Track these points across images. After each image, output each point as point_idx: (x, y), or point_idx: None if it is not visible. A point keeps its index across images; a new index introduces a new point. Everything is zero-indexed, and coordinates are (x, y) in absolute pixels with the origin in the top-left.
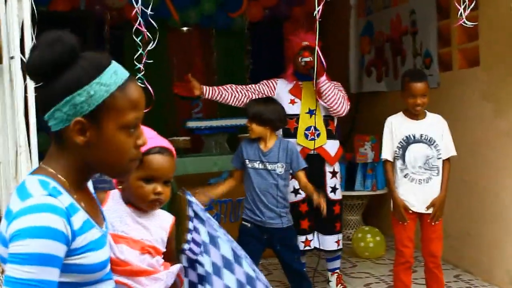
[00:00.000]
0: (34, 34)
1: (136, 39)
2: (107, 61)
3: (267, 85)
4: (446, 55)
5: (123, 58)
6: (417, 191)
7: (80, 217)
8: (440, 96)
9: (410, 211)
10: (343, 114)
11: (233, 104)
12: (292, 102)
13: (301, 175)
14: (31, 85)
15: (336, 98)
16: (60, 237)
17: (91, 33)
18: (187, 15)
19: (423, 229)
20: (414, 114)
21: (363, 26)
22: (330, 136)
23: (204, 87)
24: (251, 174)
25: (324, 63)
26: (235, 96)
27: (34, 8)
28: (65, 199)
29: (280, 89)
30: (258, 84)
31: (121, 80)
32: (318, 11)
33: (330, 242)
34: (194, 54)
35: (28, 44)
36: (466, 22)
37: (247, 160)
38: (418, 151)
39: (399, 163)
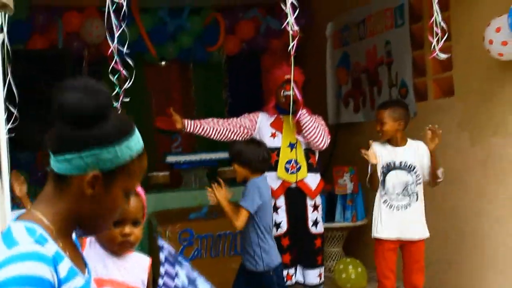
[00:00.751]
0: (8, 72)
1: (112, 78)
2: (132, 125)
3: (248, 118)
4: (421, 85)
5: None
6: (398, 218)
7: (66, 265)
8: (417, 125)
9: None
10: (323, 148)
11: (214, 138)
12: (273, 135)
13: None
14: (2, 128)
15: (316, 131)
16: (47, 286)
17: (69, 70)
18: (165, 49)
19: (405, 260)
20: (392, 141)
21: (339, 57)
22: (311, 169)
23: (186, 120)
24: None
25: (299, 96)
26: (216, 130)
27: (8, 47)
28: (51, 247)
29: (261, 122)
30: (240, 117)
31: (141, 148)
32: (292, 46)
33: (312, 276)
34: (172, 88)
35: None
36: (439, 54)
37: None
38: (397, 177)
39: (379, 189)
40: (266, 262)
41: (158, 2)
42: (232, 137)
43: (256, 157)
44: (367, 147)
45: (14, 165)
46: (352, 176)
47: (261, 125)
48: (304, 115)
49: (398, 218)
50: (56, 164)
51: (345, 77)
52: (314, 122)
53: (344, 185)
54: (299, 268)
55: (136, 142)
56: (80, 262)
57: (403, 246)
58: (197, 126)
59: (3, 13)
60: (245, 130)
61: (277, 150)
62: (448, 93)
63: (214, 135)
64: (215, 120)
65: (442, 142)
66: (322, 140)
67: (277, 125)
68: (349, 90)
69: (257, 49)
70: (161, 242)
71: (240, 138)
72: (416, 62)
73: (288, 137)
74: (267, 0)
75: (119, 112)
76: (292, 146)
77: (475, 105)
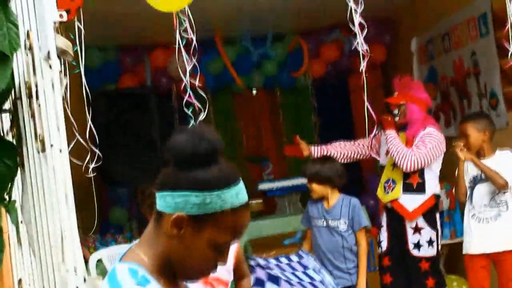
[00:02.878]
0: (89, 114)
1: (187, 110)
2: (235, 178)
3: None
4: (511, 94)
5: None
6: (487, 231)
7: None
8: (509, 135)
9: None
10: (407, 169)
11: (342, 161)
12: (387, 153)
13: (360, 235)
14: (68, 170)
15: (396, 151)
16: None
17: (158, 105)
18: (250, 78)
19: (499, 277)
20: (479, 153)
21: (426, 72)
22: (408, 190)
23: (312, 147)
24: (315, 233)
25: (373, 116)
26: (343, 154)
27: (87, 89)
28: (154, 287)
29: (382, 140)
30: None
31: (238, 203)
32: (363, 66)
33: None
34: (261, 115)
35: (63, 133)
36: None
37: (312, 218)
38: (483, 189)
39: (467, 204)
40: (355, 275)
41: (241, 32)
42: (358, 158)
43: (335, 173)
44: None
45: (115, 202)
46: (448, 192)
47: (381, 143)
48: (388, 134)
49: (488, 230)
50: (157, 201)
51: (433, 92)
52: (395, 142)
53: (440, 201)
54: None
55: (233, 195)
56: None
57: (496, 261)
58: (324, 151)
59: (63, 59)
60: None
61: (382, 168)
62: None
63: (341, 158)
64: (342, 144)
65: None
66: (402, 161)
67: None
68: (439, 105)
69: (343, 70)
70: (252, 262)
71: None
72: (504, 71)
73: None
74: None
75: (226, 164)
76: (395, 164)
77: None
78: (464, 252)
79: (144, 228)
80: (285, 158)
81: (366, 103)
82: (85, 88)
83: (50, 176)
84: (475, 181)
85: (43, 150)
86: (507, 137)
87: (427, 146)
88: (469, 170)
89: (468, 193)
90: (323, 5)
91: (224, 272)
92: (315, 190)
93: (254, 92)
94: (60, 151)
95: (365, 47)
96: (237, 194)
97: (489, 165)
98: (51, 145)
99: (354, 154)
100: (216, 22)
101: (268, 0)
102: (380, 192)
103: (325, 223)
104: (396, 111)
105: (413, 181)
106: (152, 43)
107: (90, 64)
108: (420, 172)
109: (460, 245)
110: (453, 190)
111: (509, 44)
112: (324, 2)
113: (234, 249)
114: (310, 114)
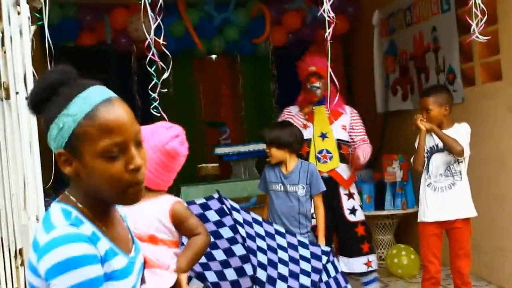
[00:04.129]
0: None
1: (149, 69)
2: (79, 89)
3: (287, 117)
4: (469, 70)
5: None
6: (442, 200)
7: (103, 245)
8: (466, 111)
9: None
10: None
11: None
12: (305, 126)
13: (317, 200)
14: (34, 118)
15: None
16: (94, 259)
17: (117, 66)
18: (211, 43)
19: (450, 245)
20: (439, 127)
21: (386, 45)
22: (342, 159)
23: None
24: (273, 197)
25: (337, 85)
26: None
27: (51, 43)
28: (87, 228)
29: (294, 115)
30: (282, 119)
31: (90, 106)
32: (328, 33)
33: (357, 264)
34: (220, 81)
35: (30, 80)
36: (479, 37)
37: (269, 183)
38: (440, 159)
39: (424, 174)
40: (312, 239)
41: None
42: None
43: (294, 138)
44: (415, 135)
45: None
46: (401, 164)
47: (294, 118)
48: (361, 161)
49: (442, 199)
50: None
51: (392, 65)
52: (366, 154)
53: (393, 173)
54: (342, 258)
55: (80, 104)
56: (125, 242)
57: (449, 230)
58: None
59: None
60: None
61: (308, 141)
62: (496, 77)
63: None
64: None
65: (491, 127)
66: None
67: (308, 117)
68: (397, 78)
69: (304, 40)
70: (227, 203)
71: None
72: (463, 47)
73: (319, 127)
74: None
75: (75, 84)
76: (323, 136)
77: None
78: (418, 220)
79: None
80: (242, 123)
81: (329, 70)
82: (49, 42)
83: (14, 123)
84: (431, 151)
85: (8, 97)
86: (462, 112)
87: (364, 130)
88: (426, 141)
89: (425, 163)
90: None
91: (162, 230)
92: (274, 154)
93: (214, 57)
94: (26, 99)
95: (332, 14)
96: (85, 100)
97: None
98: (17, 93)
99: None
100: None
101: None
102: (315, 163)
103: (283, 188)
104: (317, 84)
105: (345, 152)
106: (112, 2)
107: (49, 20)
108: (348, 145)
109: (410, 215)
110: (411, 160)
111: (471, 20)
112: None
113: (169, 203)
114: (269, 82)
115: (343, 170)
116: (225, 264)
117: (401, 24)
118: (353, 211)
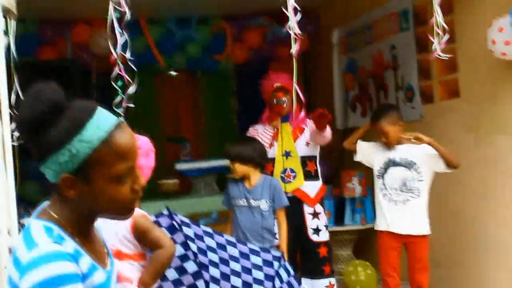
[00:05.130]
0: (15, 79)
1: (114, 84)
2: (88, 114)
3: (257, 135)
4: (427, 88)
5: (111, 104)
6: (398, 213)
7: (85, 261)
8: (424, 127)
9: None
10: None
11: None
12: (270, 145)
13: (280, 214)
14: (8, 134)
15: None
16: (76, 278)
17: (78, 81)
18: (173, 59)
19: (408, 259)
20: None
21: (346, 63)
22: (308, 177)
23: None
24: (236, 212)
25: (303, 100)
26: None
27: (14, 54)
28: (69, 245)
29: (261, 134)
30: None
31: (105, 132)
32: (295, 49)
33: (320, 286)
34: (181, 97)
35: (4, 95)
36: (441, 54)
37: (232, 198)
38: (396, 173)
39: (379, 183)
40: None
41: (166, 13)
42: None
43: (257, 153)
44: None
45: (28, 175)
46: (360, 180)
47: (261, 136)
48: (327, 133)
49: (398, 212)
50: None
51: (352, 82)
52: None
53: (352, 188)
54: (305, 280)
55: (94, 131)
56: (102, 256)
57: (406, 244)
58: None
59: (8, 19)
60: None
61: (273, 160)
62: (454, 94)
63: None
64: None
65: (448, 143)
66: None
67: (274, 135)
68: (356, 95)
69: (265, 57)
70: (177, 218)
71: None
72: (421, 65)
73: (284, 146)
74: (273, 8)
75: (74, 107)
76: (287, 154)
77: (480, 106)
78: (375, 228)
79: None
80: (203, 139)
81: (295, 85)
82: (13, 57)
83: None
84: (387, 164)
85: None
86: (421, 129)
87: None
88: (382, 154)
89: (381, 172)
90: None
91: (125, 243)
92: (238, 169)
93: (174, 73)
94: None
95: (297, 30)
96: (98, 126)
97: (401, 150)
98: None
99: None
100: (141, 2)
101: None
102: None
103: (246, 202)
104: (284, 99)
105: (311, 169)
106: (74, 17)
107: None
108: (314, 160)
109: (369, 230)
110: (345, 141)
111: (433, 38)
112: None
113: (128, 221)
114: (230, 98)
115: (309, 188)
116: (178, 283)
117: (361, 42)
118: (317, 231)
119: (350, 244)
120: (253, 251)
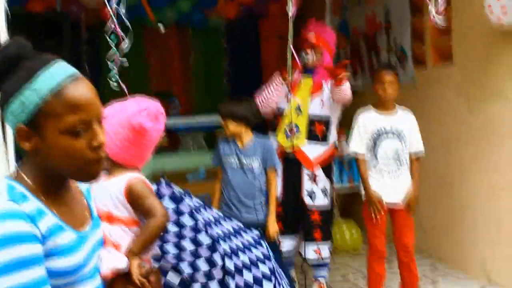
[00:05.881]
0: (9, 36)
1: (110, 40)
2: (43, 64)
3: (273, 83)
4: (420, 51)
5: (100, 59)
6: (387, 183)
7: (48, 221)
8: (415, 92)
9: (385, 203)
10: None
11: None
12: (286, 96)
13: (271, 174)
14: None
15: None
16: (29, 238)
17: (67, 34)
18: (163, 14)
19: (394, 222)
20: (384, 107)
21: (338, 24)
22: (313, 138)
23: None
24: (227, 170)
25: (297, 59)
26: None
27: (7, 9)
28: (30, 205)
29: (276, 82)
30: (267, 85)
31: (56, 83)
32: (291, 10)
33: (308, 251)
34: (171, 53)
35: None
36: (437, 20)
37: (223, 156)
38: (389, 144)
39: (370, 155)
40: (264, 213)
41: None
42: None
43: (250, 112)
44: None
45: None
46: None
47: (274, 86)
48: (345, 85)
49: (390, 184)
50: None
51: (343, 43)
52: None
53: (341, 149)
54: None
55: (45, 80)
56: (80, 217)
57: (392, 211)
58: None
59: None
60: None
61: (284, 111)
62: (447, 59)
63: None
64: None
65: (440, 109)
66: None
67: (292, 87)
68: (348, 57)
69: (256, 14)
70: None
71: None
72: (415, 28)
73: (298, 100)
74: None
75: (35, 58)
76: (299, 110)
77: (473, 72)
78: (363, 198)
79: None
80: (192, 96)
81: (290, 46)
82: (7, 9)
83: None
84: (379, 133)
85: None
86: (412, 92)
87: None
88: (373, 123)
89: (372, 145)
90: None
91: (120, 206)
92: (230, 128)
93: (162, 28)
94: None
95: None
96: (50, 77)
97: (393, 119)
98: None
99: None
100: None
101: None
102: (281, 137)
103: (238, 161)
104: (310, 51)
105: (317, 130)
106: None
107: None
108: (326, 122)
109: (356, 191)
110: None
111: (430, 2)
112: None
113: (125, 181)
114: (220, 55)
115: (310, 150)
116: (196, 254)
117: (354, 3)
118: (311, 194)
119: (337, 204)
120: (242, 229)
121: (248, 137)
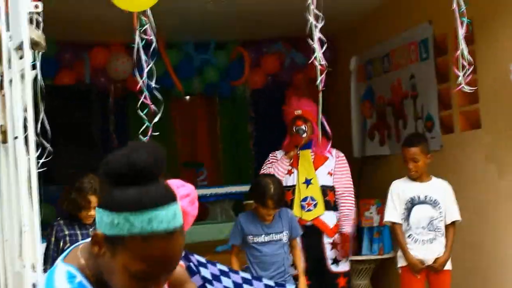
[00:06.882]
0: (42, 110)
1: (141, 113)
2: (155, 203)
3: (275, 163)
4: (447, 118)
5: (127, 128)
6: (421, 251)
7: None
8: (444, 158)
9: (424, 266)
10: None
11: None
12: (290, 172)
13: (296, 242)
14: (34, 164)
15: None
16: None
17: (96, 105)
18: (190, 84)
19: None
20: (415, 177)
21: (364, 91)
22: (328, 207)
23: None
24: (257, 248)
25: (329, 131)
26: None
27: (43, 84)
28: None
29: (280, 160)
30: (269, 166)
31: (150, 230)
32: (320, 80)
33: None
34: (198, 122)
35: (31, 124)
36: (465, 87)
37: (250, 236)
38: (423, 212)
39: (403, 224)
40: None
41: (184, 37)
42: None
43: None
44: (392, 179)
45: (44, 198)
46: (378, 209)
47: (279, 163)
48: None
49: (423, 250)
50: None
51: (369, 110)
52: (351, 215)
53: (370, 217)
54: None
55: (144, 220)
56: None
57: (430, 278)
58: None
59: (36, 51)
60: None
61: (293, 188)
62: (475, 125)
63: None
64: None
65: (469, 175)
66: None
67: (293, 162)
68: (375, 123)
69: (282, 83)
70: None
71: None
72: (441, 96)
73: (303, 173)
74: (291, 34)
75: (156, 187)
76: (308, 182)
77: (502, 138)
78: (399, 264)
79: None
80: (219, 165)
81: (321, 117)
82: (41, 82)
83: (11, 168)
84: (412, 202)
85: (5, 141)
86: (441, 160)
87: (350, 178)
88: (407, 192)
89: (405, 213)
90: (267, 16)
91: None
92: (272, 213)
93: (188, 98)
94: (26, 143)
95: (324, 62)
96: (151, 220)
97: (426, 188)
98: (15, 137)
99: None
100: (160, 26)
101: (214, 8)
102: (297, 210)
103: (266, 238)
104: (303, 127)
105: (330, 199)
106: (92, 41)
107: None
108: (335, 190)
109: (387, 260)
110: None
111: (457, 69)
112: (268, 14)
113: None
114: (246, 123)
115: (328, 218)
116: None
117: (379, 71)
118: (336, 261)
119: (368, 274)
120: (268, 287)
121: None
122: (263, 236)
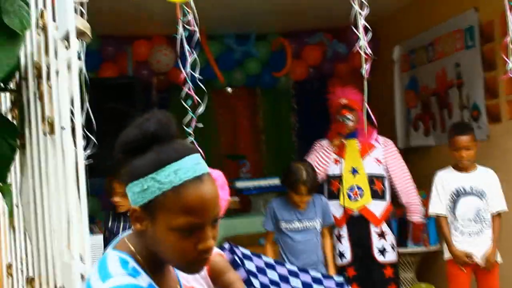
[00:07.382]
0: (87, 101)
1: (185, 104)
2: (173, 156)
3: (319, 149)
4: (494, 107)
5: None
6: (468, 244)
7: None
8: (490, 148)
9: (470, 261)
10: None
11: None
12: (336, 162)
13: (327, 230)
14: (81, 154)
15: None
16: None
17: (139, 97)
18: (232, 76)
19: (479, 283)
20: (462, 167)
21: (407, 80)
22: (375, 196)
23: None
24: (289, 235)
25: (374, 120)
26: None
27: (87, 76)
28: (144, 280)
29: (325, 149)
30: (314, 155)
31: (180, 180)
32: (365, 69)
33: None
34: (240, 114)
35: (78, 115)
36: None
37: (283, 222)
38: (469, 203)
39: (449, 216)
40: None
41: (225, 29)
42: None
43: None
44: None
45: (89, 191)
46: (423, 200)
47: (325, 153)
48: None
49: (471, 244)
50: None
51: (414, 100)
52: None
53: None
54: None
55: (170, 174)
56: None
57: (477, 272)
58: None
59: (80, 40)
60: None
61: (340, 177)
62: None
63: None
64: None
65: None
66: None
67: (339, 151)
68: (419, 114)
69: (324, 74)
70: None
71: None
72: (487, 84)
73: (350, 163)
74: (332, 24)
75: (169, 145)
76: (354, 171)
77: None
78: (446, 257)
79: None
80: (262, 157)
81: (366, 105)
82: (85, 75)
83: (58, 159)
84: (458, 193)
85: (52, 132)
86: (487, 150)
87: (404, 164)
88: (452, 183)
89: (451, 205)
90: (307, 7)
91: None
92: (305, 199)
93: (230, 90)
94: (73, 133)
95: (368, 50)
96: (176, 171)
97: (472, 178)
98: (63, 128)
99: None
100: (201, 18)
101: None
102: (346, 200)
103: (300, 224)
104: (349, 116)
105: (378, 188)
106: (134, 34)
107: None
108: (382, 179)
109: (432, 253)
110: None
111: (507, 56)
112: (309, 5)
113: None
114: (289, 115)
115: (375, 207)
116: None
117: (423, 60)
118: (382, 251)
119: (413, 267)
120: (316, 280)
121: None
122: (295, 222)
